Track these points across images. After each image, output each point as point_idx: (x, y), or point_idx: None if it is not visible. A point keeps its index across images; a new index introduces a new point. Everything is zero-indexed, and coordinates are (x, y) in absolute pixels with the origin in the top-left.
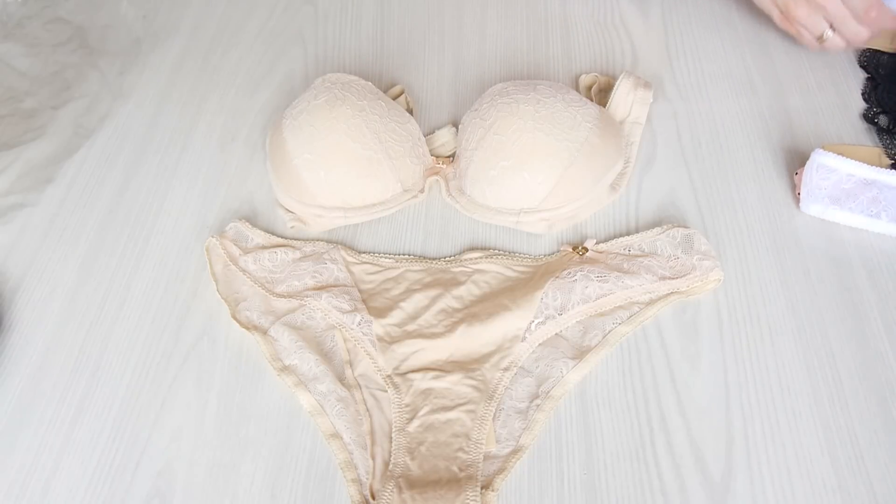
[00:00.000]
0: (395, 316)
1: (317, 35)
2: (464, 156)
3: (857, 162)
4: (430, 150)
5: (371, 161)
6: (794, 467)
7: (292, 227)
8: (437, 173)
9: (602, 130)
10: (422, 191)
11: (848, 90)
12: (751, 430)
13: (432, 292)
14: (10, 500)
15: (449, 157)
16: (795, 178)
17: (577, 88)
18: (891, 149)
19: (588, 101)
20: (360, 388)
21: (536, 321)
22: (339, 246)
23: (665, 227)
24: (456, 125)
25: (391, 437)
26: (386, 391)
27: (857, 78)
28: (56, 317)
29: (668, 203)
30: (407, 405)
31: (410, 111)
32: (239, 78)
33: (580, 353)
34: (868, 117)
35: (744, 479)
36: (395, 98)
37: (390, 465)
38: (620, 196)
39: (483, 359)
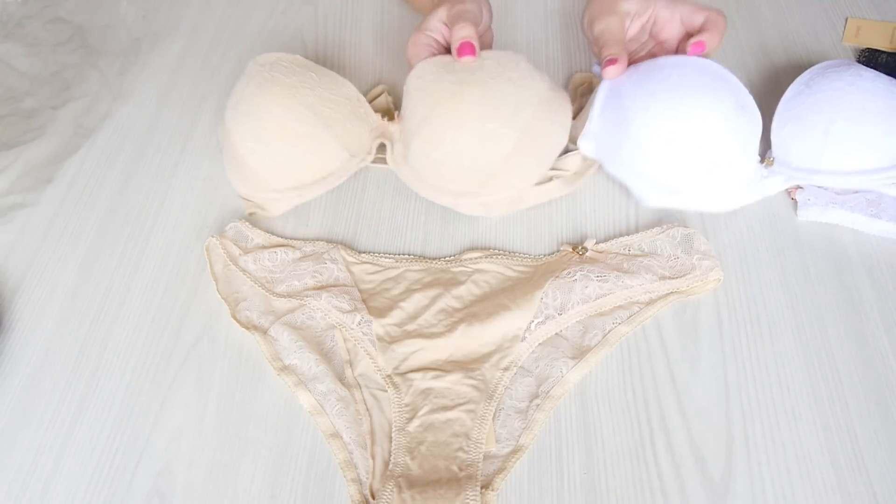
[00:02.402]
0: (395, 316)
1: (317, 35)
2: (408, 127)
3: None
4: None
5: (311, 136)
6: (794, 467)
7: (251, 214)
8: (382, 133)
9: (547, 112)
10: (369, 153)
11: None
12: (751, 430)
13: (432, 292)
14: (10, 500)
15: (397, 110)
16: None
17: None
18: None
19: (537, 76)
20: (360, 388)
21: (536, 321)
22: (339, 246)
23: (665, 226)
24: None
25: (391, 437)
26: (386, 391)
27: None
28: (56, 317)
29: None
30: (407, 405)
31: (389, 111)
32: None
33: (580, 353)
34: None
35: (744, 480)
36: (375, 98)
37: (390, 465)
38: (620, 196)
39: (483, 358)
